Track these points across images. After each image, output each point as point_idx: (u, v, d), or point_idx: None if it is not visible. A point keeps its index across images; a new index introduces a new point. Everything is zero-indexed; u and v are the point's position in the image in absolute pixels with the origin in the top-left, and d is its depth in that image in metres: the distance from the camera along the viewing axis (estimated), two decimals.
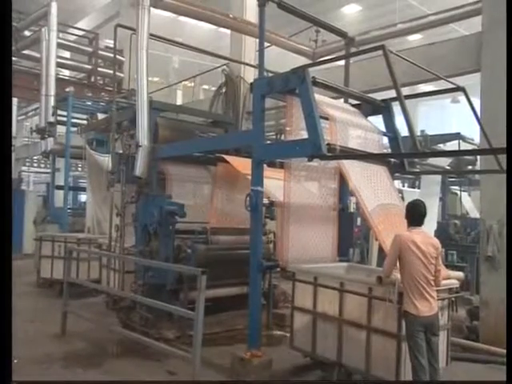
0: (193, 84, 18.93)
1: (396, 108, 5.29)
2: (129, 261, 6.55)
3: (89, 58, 14.50)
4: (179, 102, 21.88)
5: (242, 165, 5.94)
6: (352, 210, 5.77)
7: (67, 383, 4.75)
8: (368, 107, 5.82)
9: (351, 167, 4.82)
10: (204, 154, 6.74)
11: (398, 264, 3.95)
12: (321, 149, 4.38)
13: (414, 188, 12.17)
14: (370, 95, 6.07)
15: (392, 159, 5.56)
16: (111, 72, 10.80)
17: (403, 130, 5.44)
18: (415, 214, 4.05)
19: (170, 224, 6.06)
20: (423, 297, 3.83)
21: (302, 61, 9.53)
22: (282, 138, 8.10)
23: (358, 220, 9.35)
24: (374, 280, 4.09)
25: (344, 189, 5.69)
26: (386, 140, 5.77)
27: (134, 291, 6.18)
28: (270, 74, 6.82)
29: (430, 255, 3.90)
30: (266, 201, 5.44)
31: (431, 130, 11.73)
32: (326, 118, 4.85)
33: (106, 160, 7.88)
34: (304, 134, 4.66)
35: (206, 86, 23.08)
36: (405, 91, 6.52)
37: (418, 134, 10.69)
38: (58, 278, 8.25)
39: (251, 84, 5.39)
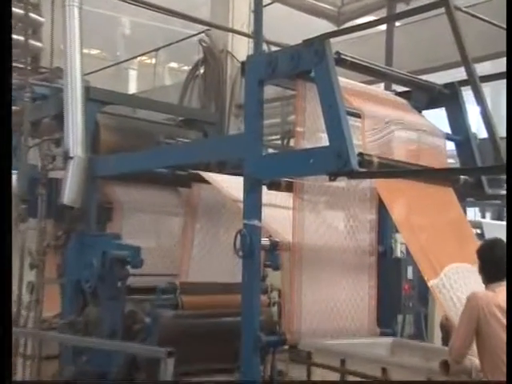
0: (154, 61, 19.20)
1: (468, 96, 5.42)
2: (50, 339, 6.58)
3: None
4: (133, 88, 22.14)
5: (230, 186, 6.04)
6: (399, 255, 5.79)
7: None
8: (423, 96, 5.96)
9: (396, 189, 4.92)
10: (172, 170, 6.85)
11: (474, 340, 3.99)
12: (349, 161, 4.46)
13: (500, 220, 12.26)
14: (425, 77, 6.23)
15: (462, 176, 5.64)
16: (22, 39, 10.91)
17: (481, 131, 5.56)
18: (496, 262, 4.12)
19: (118, 279, 6.14)
20: None
21: (323, 27, 9.73)
22: (291, 144, 8.24)
23: (410, 270, 9.27)
24: (437, 366, 4.10)
25: (386, 222, 5.80)
26: (451, 146, 5.90)
27: None
28: (273, 48, 7.00)
29: None
30: (266, 241, 5.52)
31: None
32: (358, 115, 4.97)
33: (13, 179, 7.96)
34: (323, 139, 4.77)
35: (173, 65, 23.39)
36: (482, 69, 6.67)
37: (505, 134, 10.80)
38: None
39: (243, 63, 5.54)
